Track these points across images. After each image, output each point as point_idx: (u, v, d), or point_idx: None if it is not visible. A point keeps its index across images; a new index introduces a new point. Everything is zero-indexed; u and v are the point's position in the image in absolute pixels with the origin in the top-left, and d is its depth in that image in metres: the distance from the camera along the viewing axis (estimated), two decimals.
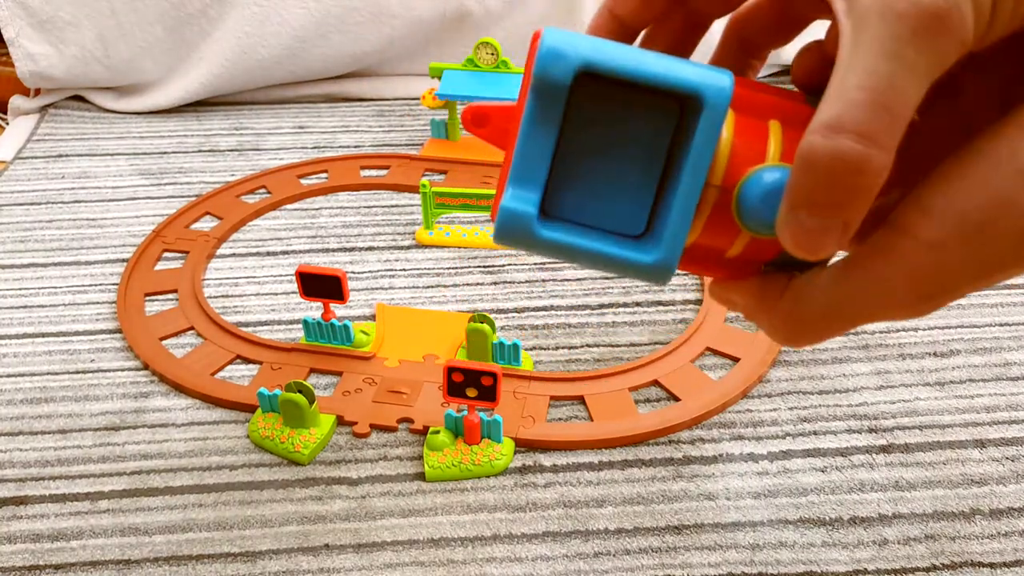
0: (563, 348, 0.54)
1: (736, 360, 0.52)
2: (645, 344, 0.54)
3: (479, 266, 0.62)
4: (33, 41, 0.83)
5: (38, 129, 0.84)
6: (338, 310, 0.56)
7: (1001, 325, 0.55)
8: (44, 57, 0.84)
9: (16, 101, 0.89)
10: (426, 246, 0.65)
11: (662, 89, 0.21)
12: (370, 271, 0.62)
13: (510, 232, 0.22)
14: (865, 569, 0.40)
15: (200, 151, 0.79)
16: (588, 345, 0.54)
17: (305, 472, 0.46)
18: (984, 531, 0.42)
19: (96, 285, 0.61)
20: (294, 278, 0.60)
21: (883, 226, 0.20)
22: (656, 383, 0.51)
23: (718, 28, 0.26)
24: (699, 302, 0.58)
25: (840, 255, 0.21)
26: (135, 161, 0.78)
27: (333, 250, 0.65)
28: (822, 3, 0.20)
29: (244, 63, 0.85)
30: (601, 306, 0.58)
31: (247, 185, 0.73)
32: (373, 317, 0.57)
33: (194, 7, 0.83)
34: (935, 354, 0.53)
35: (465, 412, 0.46)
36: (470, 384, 0.44)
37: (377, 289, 0.60)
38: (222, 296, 0.60)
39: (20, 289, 0.61)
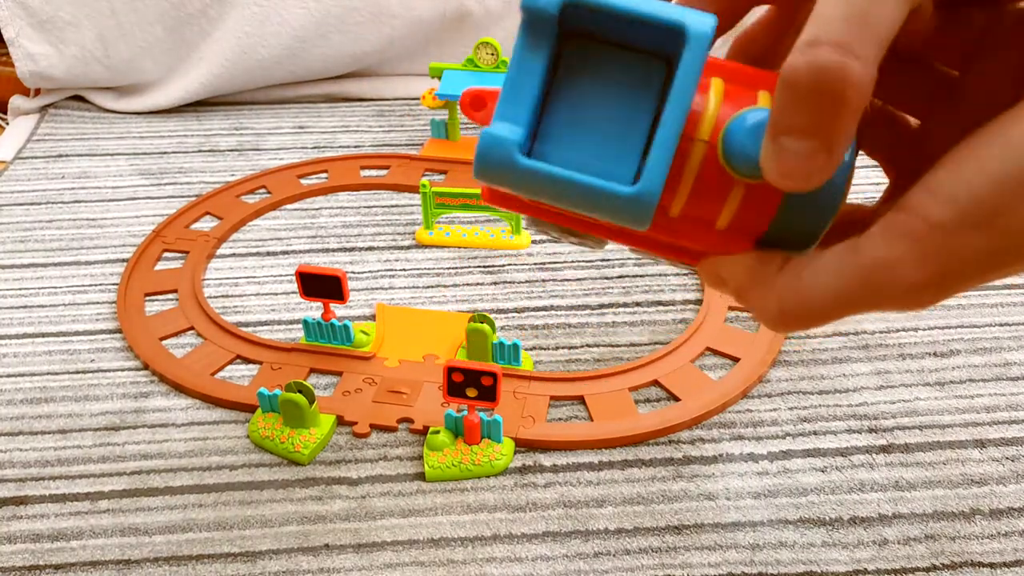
0: (563, 348, 0.54)
1: (736, 360, 0.52)
2: (645, 344, 0.54)
3: (479, 266, 0.62)
4: (33, 41, 0.83)
5: (38, 129, 0.84)
6: (338, 310, 0.56)
7: (1001, 325, 0.55)
8: (44, 57, 0.84)
9: (16, 101, 0.89)
10: (426, 246, 0.65)
11: (647, 29, 0.21)
12: (370, 271, 0.62)
13: (490, 160, 0.21)
14: (865, 569, 0.40)
15: (200, 151, 0.79)
16: (588, 345, 0.54)
17: (305, 472, 0.46)
18: (984, 531, 0.42)
19: (96, 285, 0.61)
20: (294, 278, 0.60)
21: (893, 209, 0.19)
22: (656, 383, 0.51)
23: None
24: (699, 302, 0.58)
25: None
26: (135, 161, 0.78)
27: (333, 250, 0.65)
28: None
29: (244, 63, 0.85)
30: (601, 306, 0.58)
31: (247, 185, 0.73)
32: (373, 317, 0.57)
33: (194, 7, 0.83)
34: (935, 354, 0.53)
35: (465, 412, 0.46)
36: (470, 384, 0.44)
37: (377, 289, 0.60)
38: (222, 296, 0.60)
39: (20, 289, 0.61)
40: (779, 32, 0.25)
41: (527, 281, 0.60)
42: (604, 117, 0.22)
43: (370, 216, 0.69)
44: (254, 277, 0.62)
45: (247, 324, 0.57)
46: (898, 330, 0.54)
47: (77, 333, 0.56)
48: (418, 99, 0.88)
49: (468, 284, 0.61)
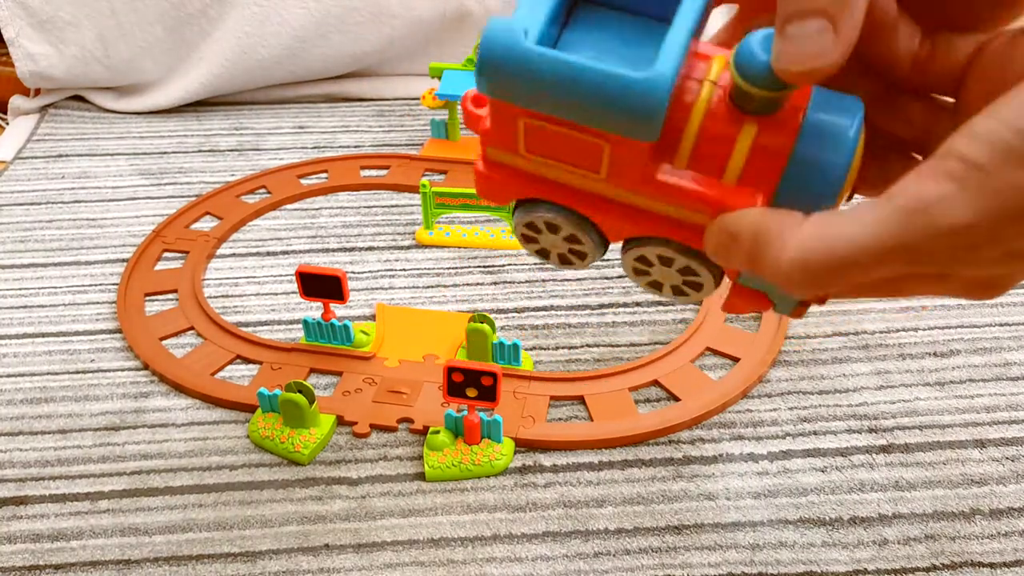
0: (563, 348, 0.54)
1: (736, 360, 0.52)
2: (645, 344, 0.54)
3: (479, 266, 0.62)
4: (33, 41, 0.83)
5: (38, 129, 0.84)
6: (338, 310, 0.56)
7: (1001, 325, 0.55)
8: (44, 57, 0.84)
9: (16, 101, 0.89)
10: (426, 246, 0.65)
11: None
12: (370, 271, 0.62)
13: (497, 45, 0.21)
14: (865, 569, 0.40)
15: (200, 151, 0.79)
16: (588, 345, 0.54)
17: (305, 472, 0.46)
18: (984, 531, 0.42)
19: (96, 285, 0.61)
20: (294, 278, 0.60)
21: (927, 160, 0.19)
22: (656, 383, 0.51)
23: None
24: (699, 302, 0.58)
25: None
26: (135, 161, 0.78)
27: (333, 250, 0.65)
28: None
29: (244, 63, 0.85)
30: (601, 306, 0.58)
31: (247, 185, 0.73)
32: (373, 317, 0.57)
33: (194, 7, 0.83)
34: (935, 354, 0.53)
35: (465, 412, 0.46)
36: (470, 384, 0.44)
37: (377, 289, 0.60)
38: (222, 296, 0.60)
39: (20, 289, 0.61)
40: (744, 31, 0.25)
41: (527, 281, 0.60)
42: (614, 41, 0.22)
43: (370, 216, 0.69)
44: (254, 277, 0.62)
45: (247, 324, 0.57)
46: (898, 330, 0.54)
47: (77, 333, 0.56)
48: (418, 99, 0.87)
49: (468, 284, 0.61)
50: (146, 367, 0.53)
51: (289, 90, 0.90)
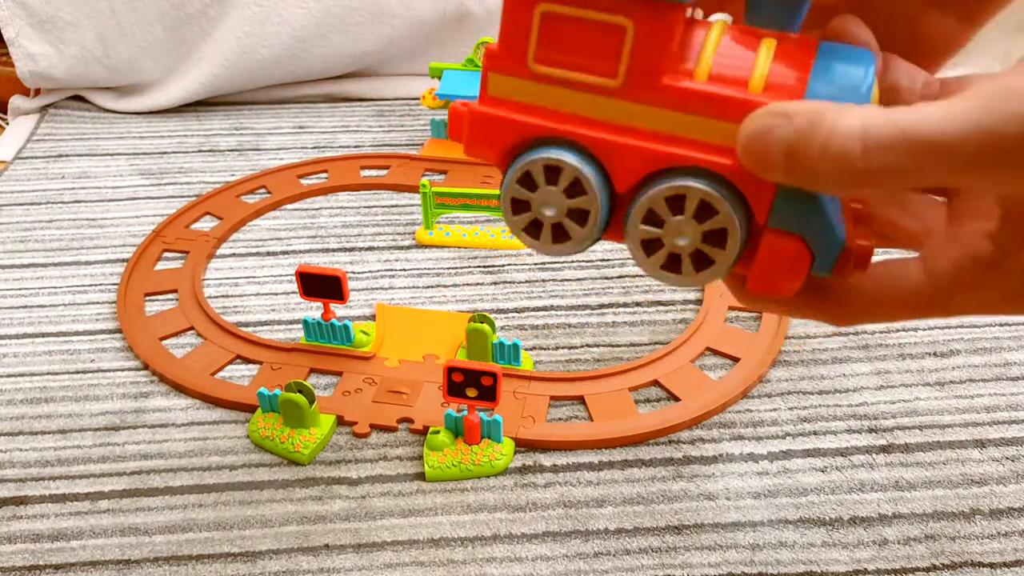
0: (563, 348, 0.54)
1: (736, 360, 0.52)
2: (645, 344, 0.54)
3: (479, 266, 0.62)
4: (33, 41, 0.83)
5: (38, 129, 0.84)
6: (338, 310, 0.56)
7: (1001, 325, 0.55)
8: (44, 57, 0.84)
9: (16, 101, 0.89)
10: (426, 246, 0.65)
11: None
12: (370, 271, 0.62)
13: None
14: (865, 569, 0.40)
15: (200, 151, 0.79)
16: (588, 345, 0.54)
17: (305, 472, 0.46)
18: (984, 531, 0.42)
19: (96, 285, 0.61)
20: (294, 278, 0.60)
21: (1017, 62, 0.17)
22: (656, 383, 0.51)
23: None
24: (699, 302, 0.58)
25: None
26: (135, 161, 0.78)
27: (333, 250, 0.65)
28: None
29: (244, 63, 0.85)
30: (601, 306, 0.58)
31: (247, 185, 0.73)
32: (373, 317, 0.57)
33: (194, 7, 0.83)
34: (935, 354, 0.53)
35: (465, 412, 0.46)
36: (470, 384, 0.44)
37: (377, 289, 0.60)
38: (222, 296, 0.60)
39: (20, 289, 0.61)
40: None
41: (527, 281, 0.60)
42: None
43: (370, 216, 0.69)
44: (254, 277, 0.62)
45: (247, 324, 0.57)
46: (898, 330, 0.54)
47: (77, 333, 0.56)
48: (418, 99, 0.87)
49: (468, 284, 0.61)
50: (146, 367, 0.53)
51: (289, 90, 0.90)
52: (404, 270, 0.62)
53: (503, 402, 0.48)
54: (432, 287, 0.60)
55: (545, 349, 0.54)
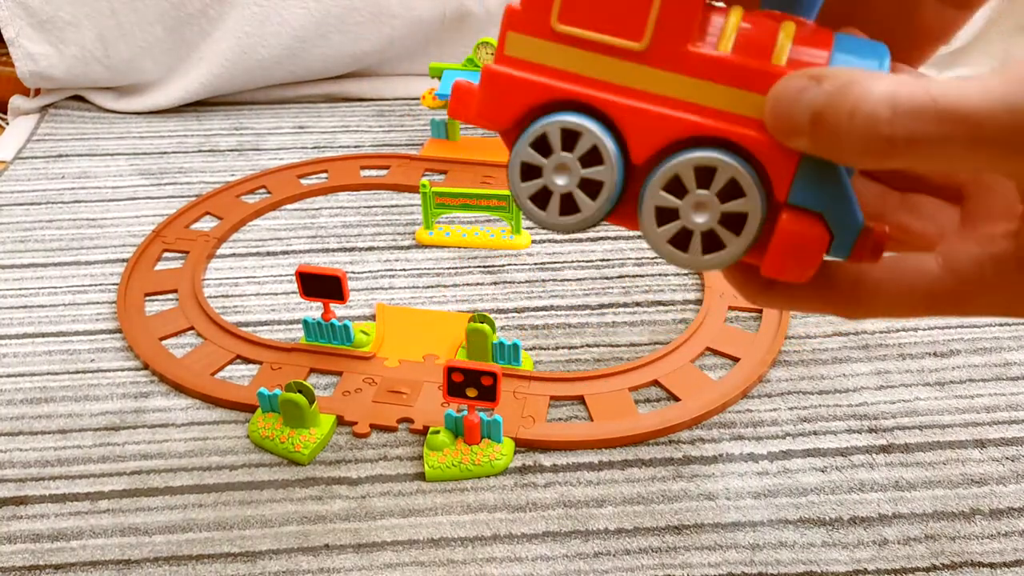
0: (563, 348, 0.54)
1: (736, 360, 0.52)
2: (645, 344, 0.54)
3: (479, 266, 0.62)
4: (33, 41, 0.83)
5: (38, 129, 0.84)
6: (338, 310, 0.56)
7: (1001, 325, 0.55)
8: (44, 57, 0.84)
9: (16, 101, 0.89)
10: (426, 246, 0.65)
11: None
12: (370, 271, 0.62)
13: None
14: (865, 569, 0.40)
15: (200, 151, 0.79)
16: (588, 345, 0.54)
17: (305, 472, 0.46)
18: (984, 531, 0.42)
19: (96, 285, 0.61)
20: (294, 278, 0.60)
21: None
22: (656, 383, 0.51)
23: None
24: (699, 302, 0.58)
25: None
26: (135, 161, 0.78)
27: (333, 250, 0.65)
28: None
29: (244, 63, 0.85)
30: (601, 306, 0.58)
31: (247, 185, 0.73)
32: (373, 317, 0.57)
33: (194, 7, 0.83)
34: (935, 354, 0.53)
35: (465, 412, 0.46)
36: (470, 384, 0.44)
37: (377, 289, 0.60)
38: (222, 296, 0.60)
39: (20, 289, 0.61)
40: None
41: (527, 281, 0.60)
42: None
43: (370, 216, 0.69)
44: (254, 277, 0.62)
45: (247, 324, 0.57)
46: (898, 330, 0.54)
47: (77, 333, 0.56)
48: (418, 99, 0.88)
49: (468, 284, 0.61)
50: (146, 367, 0.53)
51: (289, 90, 0.90)
52: (404, 270, 0.62)
53: (503, 402, 0.48)
54: (432, 287, 0.60)
55: (545, 349, 0.54)
